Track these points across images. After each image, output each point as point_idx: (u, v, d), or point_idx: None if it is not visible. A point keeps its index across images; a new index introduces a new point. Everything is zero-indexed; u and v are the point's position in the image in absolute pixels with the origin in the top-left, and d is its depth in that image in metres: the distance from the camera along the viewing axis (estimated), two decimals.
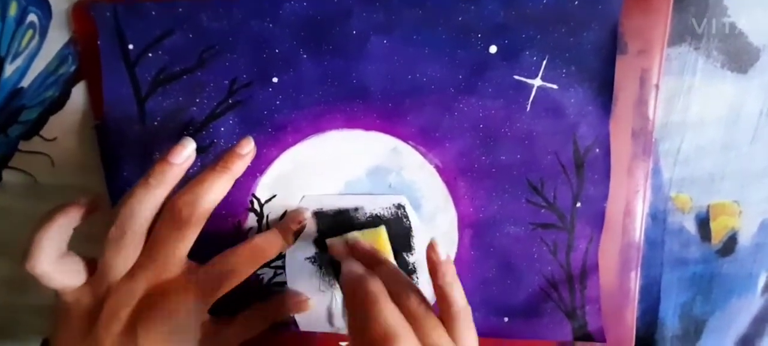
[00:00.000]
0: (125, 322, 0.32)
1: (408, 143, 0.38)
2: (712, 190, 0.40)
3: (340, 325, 0.41)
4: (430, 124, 0.37)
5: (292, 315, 0.41)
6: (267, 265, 0.40)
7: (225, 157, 0.35)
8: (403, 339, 0.29)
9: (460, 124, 0.37)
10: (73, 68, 0.38)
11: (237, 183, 0.37)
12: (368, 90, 0.37)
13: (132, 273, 0.33)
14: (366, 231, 0.38)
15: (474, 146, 0.37)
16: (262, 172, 0.39)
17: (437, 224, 0.39)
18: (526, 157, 0.37)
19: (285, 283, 0.41)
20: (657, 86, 0.36)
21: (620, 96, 0.36)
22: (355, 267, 0.34)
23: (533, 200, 0.38)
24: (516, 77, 0.36)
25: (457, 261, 0.40)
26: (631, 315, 0.40)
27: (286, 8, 0.36)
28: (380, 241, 0.38)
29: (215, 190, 0.34)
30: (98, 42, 0.37)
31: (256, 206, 0.39)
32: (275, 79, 0.37)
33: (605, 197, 0.37)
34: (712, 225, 0.40)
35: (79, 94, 0.38)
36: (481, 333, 0.40)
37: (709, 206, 0.40)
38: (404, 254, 0.40)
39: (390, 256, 0.38)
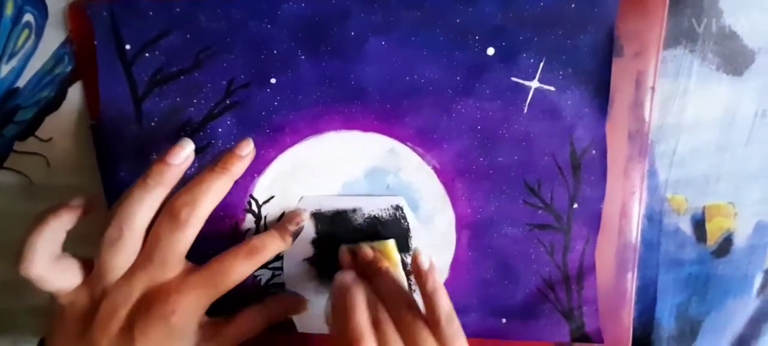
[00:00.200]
0: (122, 324, 0.33)
1: (406, 144, 0.39)
2: (707, 191, 0.40)
3: None
4: (428, 126, 0.38)
5: (289, 316, 0.41)
6: (265, 266, 0.40)
7: (224, 159, 0.35)
8: (366, 341, 0.31)
9: (458, 126, 0.38)
10: (69, 68, 0.38)
11: (235, 184, 0.37)
12: (366, 91, 0.37)
13: (129, 274, 0.33)
14: (376, 243, 0.39)
15: (472, 148, 0.38)
16: (260, 173, 0.39)
17: (435, 225, 0.40)
18: (524, 159, 0.38)
19: (283, 284, 0.41)
20: (653, 88, 0.37)
21: (616, 98, 0.37)
22: (345, 276, 0.35)
23: (530, 201, 0.39)
24: (513, 79, 0.37)
25: (455, 262, 0.40)
26: (628, 316, 0.40)
27: (284, 9, 0.36)
28: (388, 253, 0.39)
29: (214, 191, 0.34)
30: (95, 42, 0.37)
31: (254, 207, 0.40)
32: (273, 80, 0.37)
33: (602, 198, 0.38)
34: (708, 226, 0.41)
35: (75, 94, 0.39)
36: (479, 334, 0.41)
37: (704, 208, 0.41)
38: (402, 255, 0.40)
39: (399, 268, 0.39)
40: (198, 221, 0.34)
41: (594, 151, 0.38)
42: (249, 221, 0.40)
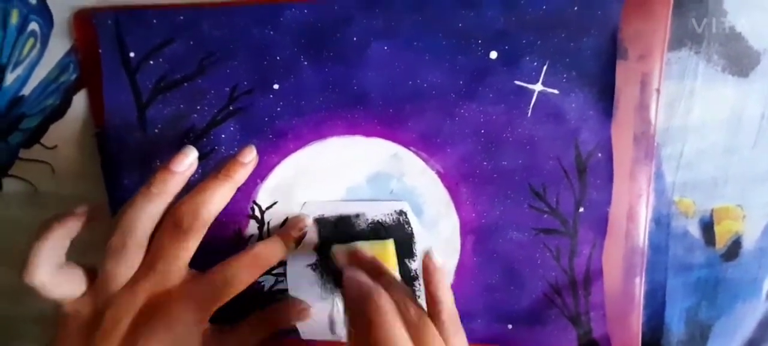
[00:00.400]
0: (126, 332, 0.33)
1: (409, 149, 0.39)
2: (715, 194, 0.40)
3: (342, 333, 0.42)
4: (431, 130, 0.38)
5: (293, 323, 0.41)
6: (268, 272, 0.40)
7: (227, 166, 0.35)
8: None
9: (462, 130, 0.38)
10: (74, 76, 0.39)
11: (238, 190, 0.37)
12: (369, 96, 0.38)
13: (133, 283, 0.34)
14: (375, 242, 0.39)
15: (475, 152, 0.38)
16: (263, 178, 0.39)
17: (439, 230, 0.40)
18: (528, 163, 0.38)
19: (286, 290, 0.41)
20: (658, 91, 0.37)
21: (621, 101, 0.37)
22: (360, 276, 0.35)
23: (536, 205, 0.39)
24: (517, 83, 0.37)
25: (460, 267, 0.40)
26: (637, 321, 0.40)
27: (287, 15, 0.37)
28: (387, 254, 0.39)
29: (217, 198, 0.34)
30: (99, 50, 0.37)
31: (257, 212, 0.40)
32: (276, 86, 0.38)
33: (608, 201, 0.38)
34: (716, 229, 0.41)
35: (79, 102, 0.39)
36: (485, 340, 0.41)
37: (712, 210, 0.40)
38: (406, 261, 0.40)
39: (395, 270, 0.39)
40: (201, 228, 0.34)
41: (600, 155, 0.38)
42: (252, 226, 0.40)
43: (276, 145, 0.39)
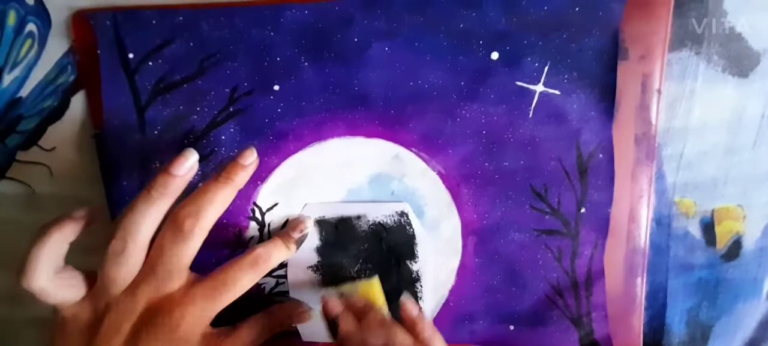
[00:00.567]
0: (126, 337, 0.33)
1: (410, 150, 0.39)
2: (715, 194, 0.41)
3: None
4: (432, 131, 0.38)
5: (294, 325, 0.42)
6: (269, 274, 0.40)
7: (228, 168, 0.35)
8: None
9: (463, 131, 0.38)
10: (72, 78, 0.39)
11: (238, 192, 0.37)
12: (370, 97, 0.38)
13: (133, 287, 0.34)
14: (360, 282, 0.40)
15: (477, 153, 0.39)
16: (263, 180, 0.40)
17: (441, 231, 0.40)
18: (530, 163, 0.38)
19: (287, 292, 0.42)
20: (659, 91, 0.37)
21: (622, 101, 0.37)
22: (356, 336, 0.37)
23: (537, 206, 0.39)
24: (518, 83, 0.37)
25: (461, 268, 0.41)
26: (638, 322, 0.41)
27: (287, 16, 0.37)
28: (373, 292, 0.39)
29: (218, 201, 0.34)
30: (98, 51, 0.38)
31: (258, 214, 0.40)
32: (276, 87, 0.38)
33: (609, 202, 0.39)
34: (717, 229, 0.41)
35: (78, 103, 0.39)
36: (487, 342, 0.42)
37: (713, 211, 0.41)
38: (408, 262, 0.41)
39: (383, 307, 0.39)
40: (202, 231, 0.34)
41: (601, 155, 0.38)
42: (252, 228, 0.41)
43: (276, 146, 0.39)
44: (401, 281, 0.41)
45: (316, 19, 0.37)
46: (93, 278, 0.34)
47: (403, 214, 0.40)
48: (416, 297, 0.41)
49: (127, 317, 0.33)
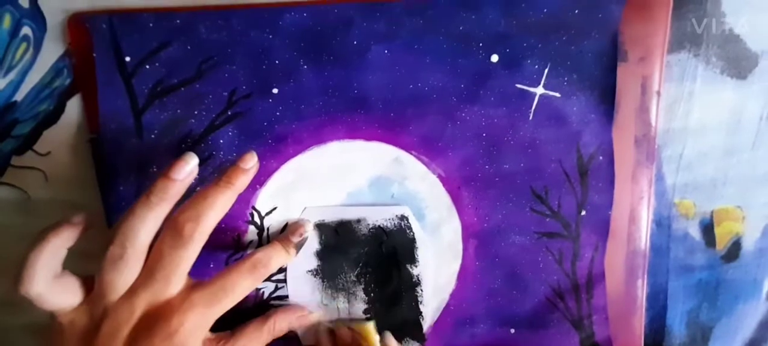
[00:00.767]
0: (124, 343, 0.33)
1: (410, 153, 0.39)
2: (715, 195, 0.41)
3: None
4: (432, 134, 0.39)
5: (293, 329, 0.42)
6: (268, 279, 0.40)
7: (228, 172, 0.35)
8: None
9: (463, 133, 0.39)
10: (67, 81, 0.39)
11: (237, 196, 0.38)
12: (369, 100, 0.38)
13: (131, 292, 0.34)
14: (355, 325, 0.40)
15: (477, 155, 0.39)
16: (262, 184, 0.40)
17: (441, 235, 0.40)
18: (530, 166, 0.39)
19: (287, 297, 0.42)
20: (658, 93, 0.38)
21: (622, 103, 0.38)
22: None
23: (538, 208, 0.39)
24: (518, 86, 0.38)
25: (462, 271, 0.41)
26: (639, 324, 0.41)
27: (286, 19, 0.37)
28: (368, 335, 0.40)
29: (218, 205, 0.34)
30: (93, 54, 0.37)
31: (257, 218, 0.40)
32: (275, 90, 0.38)
33: (610, 204, 0.39)
34: (717, 231, 0.42)
35: (73, 107, 0.39)
36: (487, 345, 0.42)
37: (712, 212, 0.41)
38: (408, 266, 0.41)
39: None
40: (202, 236, 0.34)
41: (601, 157, 0.38)
42: (251, 232, 0.41)
43: (275, 149, 0.39)
44: (401, 285, 0.41)
45: (314, 21, 0.37)
46: (90, 283, 0.34)
47: (403, 217, 0.40)
48: (417, 301, 0.41)
49: (125, 324, 0.33)
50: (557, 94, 0.38)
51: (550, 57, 0.37)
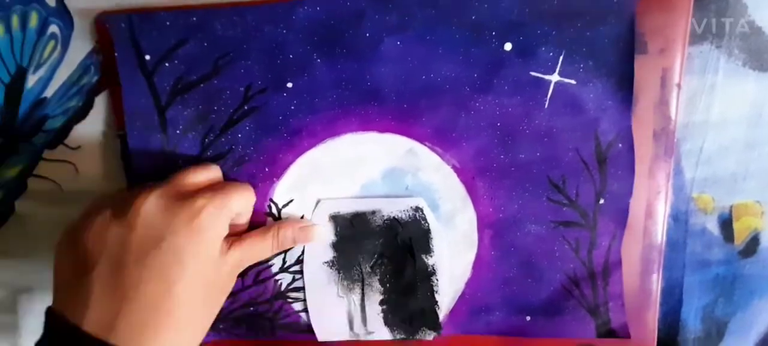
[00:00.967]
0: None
1: (424, 144, 0.33)
2: (734, 190, 0.35)
3: (360, 331, 0.36)
4: (446, 125, 0.33)
5: (298, 244, 0.35)
6: (285, 270, 0.35)
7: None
8: None
9: (477, 123, 0.32)
10: (95, 78, 0.34)
11: (255, 188, 0.33)
12: (383, 92, 0.32)
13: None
14: None
15: (492, 145, 0.33)
16: (278, 177, 0.34)
17: (456, 225, 0.34)
18: (547, 155, 0.32)
19: (303, 288, 0.36)
20: (678, 86, 0.31)
21: (641, 96, 0.32)
22: None
23: (554, 198, 0.33)
24: (533, 74, 0.31)
25: (477, 261, 0.35)
26: (653, 318, 0.35)
27: (299, 13, 0.32)
28: None
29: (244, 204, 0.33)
30: (115, 54, 0.33)
31: (274, 210, 0.35)
32: (290, 84, 0.33)
33: (629, 192, 0.33)
34: (735, 226, 0.35)
35: (102, 103, 0.34)
36: (503, 332, 0.36)
37: (731, 207, 0.35)
38: (423, 257, 0.35)
39: None
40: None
41: (620, 145, 0.32)
42: (270, 224, 0.35)
43: (291, 143, 0.34)
44: (417, 276, 0.35)
45: (327, 15, 0.32)
46: None
47: (417, 209, 0.34)
48: (432, 291, 0.35)
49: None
50: (573, 82, 0.31)
51: (564, 44, 0.31)
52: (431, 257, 0.35)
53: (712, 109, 0.33)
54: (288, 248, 0.35)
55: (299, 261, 0.35)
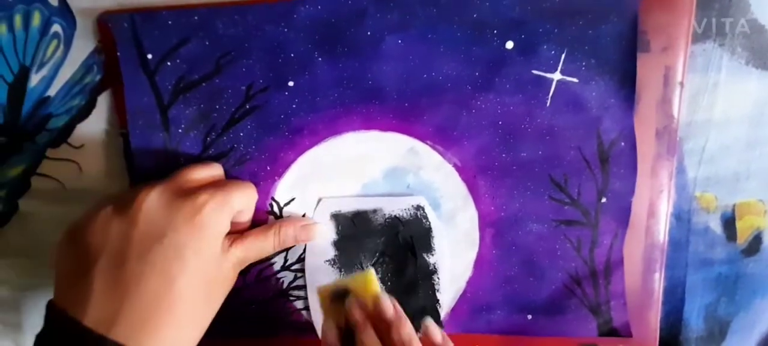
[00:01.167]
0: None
1: (426, 143, 0.33)
2: (737, 189, 0.34)
3: None
4: (447, 123, 0.32)
5: (299, 242, 0.35)
6: (287, 269, 0.35)
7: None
8: None
9: (479, 122, 0.32)
10: (98, 77, 0.34)
11: (257, 187, 0.33)
12: (384, 90, 0.32)
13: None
14: (356, 275, 0.33)
15: (493, 144, 0.32)
16: (280, 175, 0.34)
17: (457, 224, 0.34)
18: (549, 153, 0.32)
19: (305, 286, 0.36)
20: (681, 84, 0.31)
21: (644, 95, 0.31)
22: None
23: (556, 196, 0.33)
24: (534, 72, 0.31)
25: (479, 260, 0.34)
26: (655, 317, 0.34)
27: (301, 12, 0.31)
28: (369, 282, 0.32)
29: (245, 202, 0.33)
30: (117, 53, 0.32)
31: (276, 208, 0.34)
32: (291, 83, 0.32)
33: (632, 191, 0.32)
34: (738, 225, 0.35)
35: (104, 102, 0.34)
36: (504, 331, 0.35)
37: (734, 206, 0.35)
38: (424, 255, 0.35)
39: (381, 292, 0.32)
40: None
41: (622, 143, 0.31)
42: (271, 223, 0.34)
43: (292, 141, 0.33)
44: (418, 274, 0.35)
45: (328, 13, 0.31)
46: None
47: (419, 207, 0.34)
48: (433, 289, 0.35)
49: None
50: (575, 80, 0.31)
51: (566, 42, 0.30)
52: (432, 255, 0.35)
53: (715, 107, 0.33)
54: (289, 246, 0.34)
55: (301, 259, 0.35)
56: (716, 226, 0.35)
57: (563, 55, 0.30)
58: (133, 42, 0.32)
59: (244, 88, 0.32)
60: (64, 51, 0.33)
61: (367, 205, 0.34)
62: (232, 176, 0.34)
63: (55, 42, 0.32)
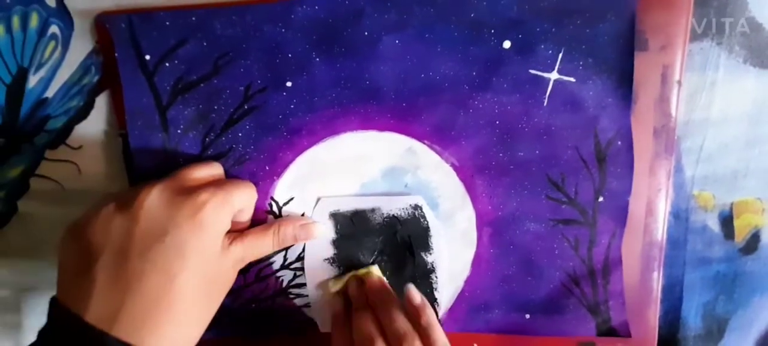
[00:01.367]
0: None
1: (423, 143, 0.33)
2: (735, 187, 0.34)
3: None
4: (445, 123, 0.32)
5: (298, 241, 0.34)
6: (286, 267, 0.35)
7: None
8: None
9: (476, 122, 0.32)
10: (96, 78, 0.34)
11: (256, 186, 0.33)
12: (382, 90, 0.32)
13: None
14: (360, 271, 0.34)
15: (491, 143, 0.32)
16: (279, 175, 0.34)
17: (455, 223, 0.34)
18: (546, 153, 0.32)
19: (304, 285, 0.35)
20: (679, 83, 0.31)
21: (641, 93, 0.31)
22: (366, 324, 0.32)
23: (554, 196, 0.32)
24: (532, 71, 0.31)
25: (477, 259, 0.34)
26: (654, 316, 0.34)
27: (298, 13, 0.31)
28: (374, 276, 0.34)
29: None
30: (115, 54, 0.32)
31: (275, 208, 0.34)
32: (289, 84, 0.32)
33: (629, 190, 0.32)
34: (736, 223, 0.35)
35: (103, 103, 0.34)
36: (502, 330, 0.35)
37: (732, 204, 0.34)
38: (422, 254, 0.34)
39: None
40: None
41: (619, 143, 0.31)
42: (271, 222, 0.34)
43: (291, 141, 0.33)
44: (416, 273, 0.35)
45: (326, 14, 0.31)
46: None
47: (417, 206, 0.34)
48: (431, 288, 0.35)
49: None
50: (572, 79, 0.31)
51: (564, 41, 0.30)
52: (430, 254, 0.34)
53: (713, 106, 0.32)
54: (289, 245, 0.34)
55: (300, 258, 0.35)
56: (714, 224, 0.35)
57: (560, 55, 0.30)
58: (131, 43, 0.32)
59: (242, 88, 0.32)
60: (62, 52, 0.33)
61: (365, 204, 0.34)
62: (231, 176, 0.34)
63: (53, 43, 0.32)
